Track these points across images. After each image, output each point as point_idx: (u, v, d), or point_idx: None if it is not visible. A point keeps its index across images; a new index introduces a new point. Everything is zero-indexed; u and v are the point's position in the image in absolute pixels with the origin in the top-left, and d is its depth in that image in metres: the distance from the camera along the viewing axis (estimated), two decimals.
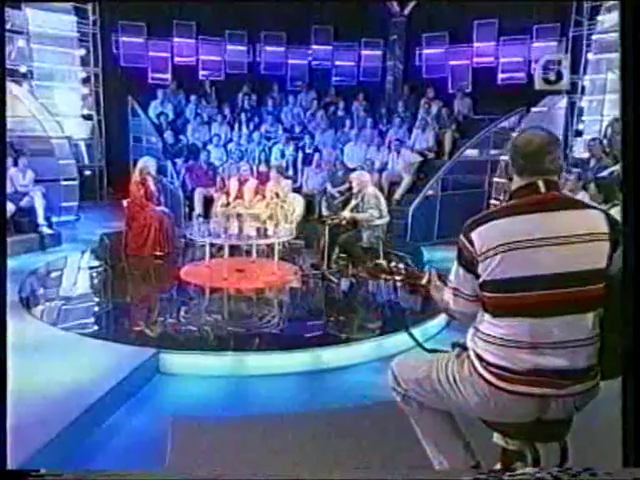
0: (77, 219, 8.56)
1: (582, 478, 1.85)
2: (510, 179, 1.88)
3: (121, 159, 10.23)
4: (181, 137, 9.48)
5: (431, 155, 9.07)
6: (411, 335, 2.32)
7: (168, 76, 10.66)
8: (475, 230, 1.78)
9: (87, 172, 9.79)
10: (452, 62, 10.70)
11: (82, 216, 8.73)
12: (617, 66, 8.44)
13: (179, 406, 3.63)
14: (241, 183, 7.29)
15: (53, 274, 6.01)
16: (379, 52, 11.31)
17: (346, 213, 6.08)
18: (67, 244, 7.34)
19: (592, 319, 1.76)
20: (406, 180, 8.59)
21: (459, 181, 8.58)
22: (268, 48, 11.13)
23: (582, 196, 5.30)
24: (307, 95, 10.74)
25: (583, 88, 8.92)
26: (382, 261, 2.28)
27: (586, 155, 7.93)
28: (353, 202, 6.23)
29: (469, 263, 1.80)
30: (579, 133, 8.75)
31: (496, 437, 2.21)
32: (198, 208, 8.41)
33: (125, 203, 6.77)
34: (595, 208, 1.90)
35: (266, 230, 6.14)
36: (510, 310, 1.76)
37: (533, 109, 8.45)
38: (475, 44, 10.43)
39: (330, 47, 11.27)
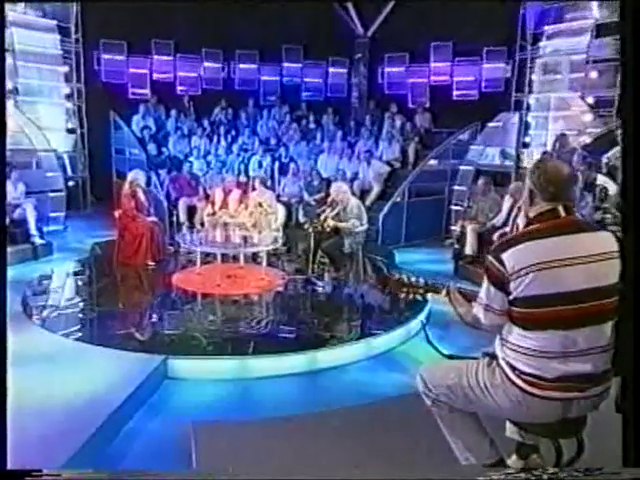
0: (65, 229, 8.29)
1: (582, 478, 1.91)
2: (531, 204, 1.91)
3: (103, 170, 9.97)
4: (163, 149, 9.28)
5: (397, 165, 9.18)
6: (431, 343, 2.33)
7: (147, 91, 10.43)
8: (505, 252, 1.82)
9: (71, 183, 9.44)
10: (411, 80, 10.85)
11: (69, 226, 8.48)
12: (560, 87, 8.85)
13: (191, 410, 3.56)
14: (226, 193, 7.18)
15: (53, 284, 5.77)
16: (345, 70, 11.37)
17: (329, 221, 6.07)
18: (58, 253, 7.08)
19: (609, 328, 1.83)
20: (376, 189, 8.66)
21: (422, 189, 8.70)
22: (242, 65, 11.03)
23: None
24: (280, 109, 10.70)
25: (529, 105, 9.19)
26: (403, 276, 2.29)
27: (527, 166, 8.24)
28: (334, 211, 6.23)
29: (500, 282, 1.84)
30: (526, 145, 9.00)
31: (510, 432, 2.26)
32: (182, 217, 8.25)
33: (117, 214, 6.57)
34: (604, 230, 1.96)
35: (252, 238, 6.09)
36: (539, 323, 1.81)
37: (489, 124, 8.67)
38: (432, 64, 10.59)
39: (300, 65, 11.26)
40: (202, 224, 8.08)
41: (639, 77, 1.85)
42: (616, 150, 6.67)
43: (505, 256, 1.81)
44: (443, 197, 8.89)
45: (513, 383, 1.85)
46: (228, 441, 2.88)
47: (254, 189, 7.49)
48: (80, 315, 4.85)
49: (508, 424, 2.27)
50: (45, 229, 7.32)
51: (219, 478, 2.41)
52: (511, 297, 1.83)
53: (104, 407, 3.20)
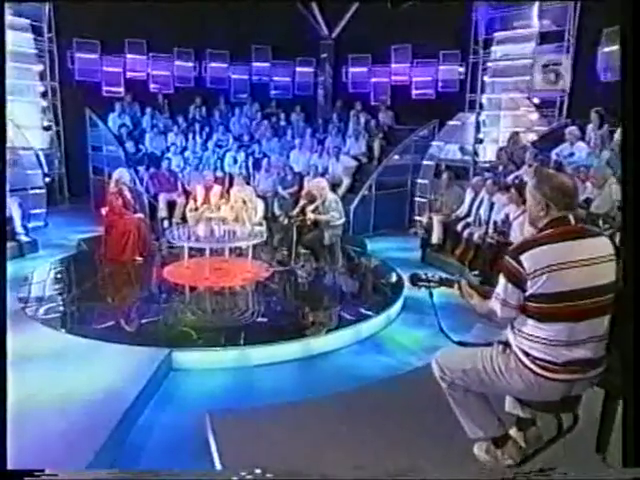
0: (45, 225, 7.97)
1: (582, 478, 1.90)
2: (547, 213, 2.01)
3: (79, 167, 9.63)
4: (141, 147, 9.02)
5: (364, 160, 9.26)
6: (444, 332, 2.42)
7: (121, 89, 10.06)
8: (523, 255, 1.93)
9: (47, 180, 9.05)
10: (374, 79, 10.87)
11: (49, 222, 8.15)
12: (509, 88, 9.10)
13: (200, 399, 3.55)
14: (207, 189, 7.07)
15: (47, 281, 5.57)
16: (311, 69, 11.28)
17: (310, 215, 6.10)
18: (44, 250, 6.83)
19: (606, 321, 1.97)
20: (345, 182, 8.73)
21: (387, 182, 8.84)
22: (213, 64, 10.78)
23: (507, 199, 5.69)
24: (251, 107, 10.56)
25: (481, 104, 9.41)
26: (420, 272, 2.38)
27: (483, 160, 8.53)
28: (313, 205, 6.26)
29: (517, 280, 1.95)
30: (480, 141, 9.24)
31: (509, 407, 2.39)
32: (163, 212, 8.08)
33: (103, 212, 6.37)
34: (601, 235, 2.09)
35: (238, 232, 6.05)
36: (552, 316, 1.93)
37: (449, 122, 8.85)
38: (393, 65, 10.63)
39: (268, 64, 11.11)
40: (182, 219, 8.01)
41: (639, 80, 1.84)
42: (563, 147, 6.98)
43: (523, 258, 1.93)
44: (406, 190, 9.06)
45: (527, 367, 1.98)
46: (245, 428, 2.89)
47: (231, 184, 7.43)
48: (79, 311, 4.72)
49: (507, 400, 2.39)
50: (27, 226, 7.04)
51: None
52: (527, 293, 1.94)
53: (120, 402, 3.16)
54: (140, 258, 6.22)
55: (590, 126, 7.06)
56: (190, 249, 6.07)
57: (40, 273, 5.73)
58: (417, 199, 8.70)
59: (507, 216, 5.50)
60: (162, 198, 8.13)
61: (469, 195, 6.71)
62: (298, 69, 11.24)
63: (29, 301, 4.86)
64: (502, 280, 2.00)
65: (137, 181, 8.29)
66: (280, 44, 10.81)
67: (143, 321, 4.57)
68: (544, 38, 8.61)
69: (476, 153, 8.13)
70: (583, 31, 8.25)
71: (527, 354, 1.98)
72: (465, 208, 6.71)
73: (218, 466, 2.71)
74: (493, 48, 9.09)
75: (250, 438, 2.80)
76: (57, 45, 9.11)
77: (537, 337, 1.96)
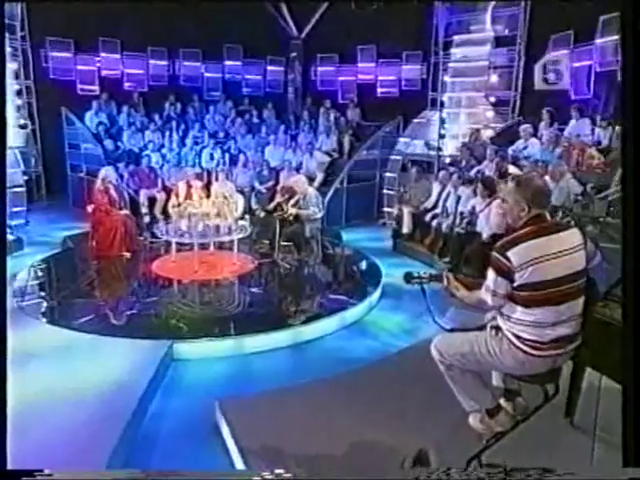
0: (26, 223, 7.70)
1: (583, 478, 1.89)
2: (527, 211, 2.17)
3: (57, 165, 9.32)
4: (119, 144, 8.80)
5: (335, 155, 9.35)
6: (436, 322, 2.57)
7: (96, 87, 9.75)
8: (510, 251, 2.09)
9: (24, 177, 8.71)
10: (341, 78, 10.94)
11: (30, 220, 7.89)
12: (467, 88, 9.36)
13: (202, 387, 3.60)
14: (189, 185, 7.01)
15: (40, 278, 5.44)
16: (281, 68, 11.23)
17: (291, 209, 6.16)
18: (28, 248, 6.63)
19: (581, 302, 2.17)
20: (319, 177, 8.79)
21: (357, 176, 8.98)
22: (186, 63, 10.58)
23: (473, 192, 5.92)
24: (224, 104, 10.45)
25: (442, 102, 9.62)
26: (413, 271, 2.52)
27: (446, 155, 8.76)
28: (294, 200, 6.32)
29: (506, 273, 2.11)
30: (442, 136, 9.47)
31: (496, 381, 2.58)
32: (144, 208, 7.95)
33: (90, 209, 6.24)
34: (572, 227, 2.27)
35: (221, 227, 6.03)
36: (538, 302, 2.11)
37: (415, 120, 9.05)
38: (359, 64, 10.71)
39: (240, 63, 10.99)
40: (163, 214, 7.92)
41: (639, 80, 1.81)
42: (518, 143, 7.29)
43: (510, 254, 2.09)
44: (375, 183, 9.23)
45: (518, 348, 2.16)
46: (254, 411, 2.98)
47: (216, 180, 7.39)
48: (77, 307, 4.64)
49: (494, 375, 2.59)
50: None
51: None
52: (515, 284, 2.11)
53: (133, 393, 3.19)
54: (128, 253, 6.15)
55: (542, 124, 7.41)
56: (177, 244, 6.06)
57: (31, 270, 5.58)
58: (385, 192, 8.88)
59: (473, 208, 5.74)
60: (142, 194, 8.00)
61: (436, 188, 6.93)
62: (269, 68, 11.18)
63: (24, 299, 4.74)
64: (491, 274, 2.16)
65: (118, 178, 8.11)
66: (251, 43, 10.73)
67: (140, 315, 4.55)
68: (498, 42, 8.90)
69: (440, 148, 8.35)
70: (533, 36, 8.58)
71: (517, 336, 2.16)
72: (433, 200, 6.92)
73: (232, 449, 2.79)
74: (452, 50, 9.30)
75: (261, 420, 2.89)
76: (30, 44, 8.73)
77: (525, 321, 2.14)
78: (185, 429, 3.13)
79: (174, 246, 5.94)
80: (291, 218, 6.12)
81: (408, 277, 2.49)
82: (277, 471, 2.14)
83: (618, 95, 7.28)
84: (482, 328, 2.40)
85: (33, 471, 1.99)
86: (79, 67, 9.54)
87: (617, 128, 6.22)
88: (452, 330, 2.56)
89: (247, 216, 6.36)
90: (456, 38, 9.30)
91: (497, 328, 2.25)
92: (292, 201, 6.36)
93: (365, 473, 2.47)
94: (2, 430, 2.03)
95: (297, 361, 4.10)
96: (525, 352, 2.14)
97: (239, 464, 2.68)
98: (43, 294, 4.98)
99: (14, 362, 3.31)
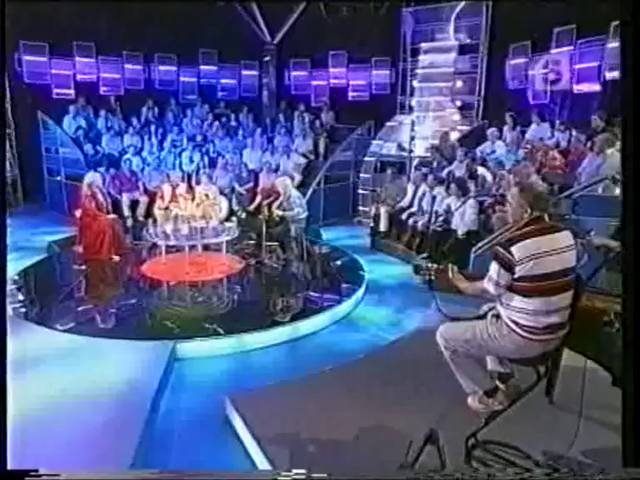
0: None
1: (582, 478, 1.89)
2: (529, 213, 2.38)
3: (33, 169, 9.03)
4: (98, 148, 8.61)
5: (312, 157, 9.46)
6: (441, 311, 2.74)
7: (71, 91, 9.48)
8: (513, 246, 2.30)
9: None
10: (314, 82, 11.06)
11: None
12: (434, 92, 9.64)
13: (208, 384, 3.64)
14: (174, 188, 6.98)
15: (34, 284, 5.31)
16: (256, 72, 11.26)
17: (277, 211, 6.24)
18: (12, 253, 6.38)
19: (571, 294, 2.38)
20: (297, 178, 8.87)
21: (333, 177, 9.12)
22: (161, 67, 10.44)
23: (444, 191, 6.16)
24: (201, 108, 10.37)
25: (411, 106, 9.90)
26: (422, 263, 2.68)
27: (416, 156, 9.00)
28: (278, 201, 6.42)
29: (508, 266, 2.31)
30: (412, 138, 9.72)
31: (491, 366, 2.78)
32: (126, 211, 7.84)
33: (77, 214, 6.12)
34: (566, 229, 2.48)
35: (211, 229, 6.04)
36: (535, 292, 2.32)
37: (387, 123, 9.26)
38: (331, 69, 10.87)
39: (215, 67, 10.93)
40: (145, 217, 7.83)
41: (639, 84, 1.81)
42: (485, 145, 7.60)
43: (513, 249, 2.30)
44: (349, 183, 9.40)
45: (516, 333, 2.37)
46: (265, 404, 3.07)
47: (197, 183, 7.36)
48: (74, 311, 4.57)
49: (489, 360, 2.78)
50: None
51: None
52: (516, 276, 2.31)
53: (145, 392, 3.22)
54: (116, 257, 6.07)
55: (506, 127, 7.75)
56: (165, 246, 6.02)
57: (24, 275, 5.46)
58: (360, 191, 9.06)
59: (448, 207, 5.98)
60: (125, 198, 7.88)
61: (411, 188, 7.15)
62: (243, 72, 11.18)
63: (21, 304, 4.64)
64: (495, 266, 2.35)
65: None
66: (225, 48, 10.70)
67: (139, 316, 4.54)
68: (462, 49, 9.22)
69: (411, 150, 8.59)
70: (494, 45, 8.95)
71: (515, 322, 2.36)
72: (408, 199, 7.14)
73: (247, 440, 2.88)
74: (420, 57, 9.56)
75: (273, 411, 2.98)
76: (3, 47, 8.36)
77: (523, 309, 2.34)
78: (197, 424, 3.18)
79: (163, 248, 5.91)
80: (277, 219, 6.20)
81: (418, 269, 2.66)
82: (295, 470, 2.12)
83: (571, 100, 7.75)
84: (482, 317, 2.60)
85: (29, 471, 1.94)
86: (54, 71, 9.25)
87: (574, 131, 6.62)
88: (454, 319, 2.73)
89: (234, 218, 6.35)
90: (423, 45, 9.57)
91: (497, 316, 2.44)
92: (276, 203, 6.45)
93: (375, 455, 2.62)
94: (2, 430, 2.00)
95: (295, 356, 4.19)
96: (522, 336, 2.34)
97: (256, 454, 2.77)
98: (40, 299, 4.87)
99: (20, 367, 3.32)
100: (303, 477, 1.99)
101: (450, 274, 2.58)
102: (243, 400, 3.14)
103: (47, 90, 9.31)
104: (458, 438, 2.54)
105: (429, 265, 2.65)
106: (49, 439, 2.71)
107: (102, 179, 7.69)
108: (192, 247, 6.00)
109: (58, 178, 8.71)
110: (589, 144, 6.01)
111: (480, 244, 5.34)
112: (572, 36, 7.62)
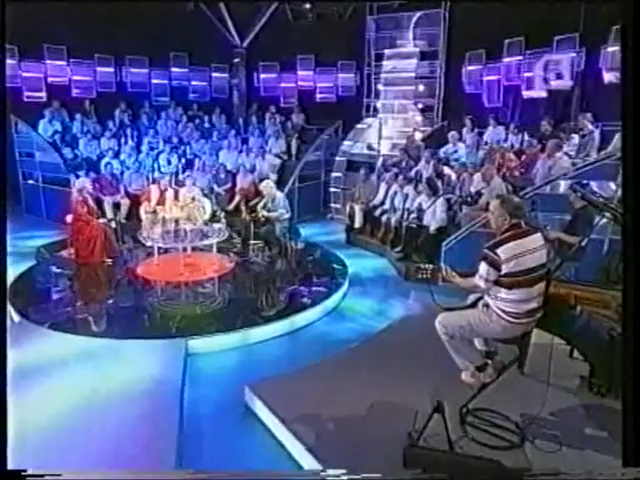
0: None
1: (583, 478, 1.95)
2: (509, 220, 2.80)
3: (7, 173, 8.74)
4: (77, 152, 8.50)
5: (285, 157, 9.70)
6: (436, 303, 3.13)
7: (43, 94, 9.25)
8: (499, 249, 2.72)
9: None
10: (283, 84, 11.26)
11: None
12: (398, 95, 10.08)
13: (223, 376, 3.90)
14: (161, 192, 7.07)
15: (37, 289, 5.33)
16: (226, 74, 11.31)
17: (263, 212, 6.49)
18: None
19: (543, 284, 2.84)
20: (272, 178, 9.08)
21: (305, 176, 9.41)
22: (133, 70, 10.33)
23: (414, 190, 6.60)
24: (175, 110, 10.36)
25: (376, 108, 10.31)
26: (420, 265, 3.07)
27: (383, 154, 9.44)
28: (262, 202, 6.66)
29: (495, 265, 2.73)
30: (381, 138, 10.11)
31: (479, 345, 3.22)
32: (109, 214, 7.83)
33: (69, 219, 6.13)
34: (537, 232, 2.93)
35: (199, 231, 6.19)
36: (518, 285, 2.75)
37: (357, 125, 9.64)
38: (299, 72, 11.09)
39: (186, 69, 10.92)
40: (127, 219, 7.86)
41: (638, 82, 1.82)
42: (448, 146, 8.13)
43: (499, 251, 2.73)
44: (320, 181, 9.73)
45: (503, 318, 2.81)
46: (284, 390, 3.38)
47: (180, 185, 7.47)
48: (82, 314, 4.69)
49: (476, 341, 3.21)
50: None
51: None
52: (502, 273, 2.74)
53: (173, 386, 3.45)
54: (109, 260, 6.15)
55: (465, 129, 8.31)
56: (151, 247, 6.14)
57: (27, 281, 5.48)
58: (332, 189, 9.41)
59: (420, 205, 6.44)
60: (107, 201, 7.86)
61: (383, 187, 7.56)
62: (214, 74, 11.21)
63: (30, 310, 4.70)
64: (484, 265, 2.77)
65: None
66: (196, 51, 10.72)
67: (145, 316, 4.71)
68: (423, 56, 9.71)
69: (378, 150, 9.01)
70: (452, 52, 9.48)
71: (503, 310, 2.81)
72: (380, 198, 7.55)
73: (272, 423, 3.18)
74: (384, 62, 9.98)
75: (293, 395, 3.30)
76: None
77: (508, 299, 2.79)
78: (220, 412, 3.44)
79: (156, 250, 6.05)
80: (263, 219, 6.45)
81: (417, 269, 3.05)
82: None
83: (521, 105, 8.41)
84: (470, 307, 3.04)
85: (21, 471, 1.98)
86: (25, 74, 8.99)
87: (526, 135, 7.25)
88: (448, 309, 3.15)
89: (223, 219, 6.54)
90: (387, 52, 10.00)
91: (486, 305, 2.88)
92: (261, 203, 6.70)
93: (386, 425, 3.00)
94: (2, 430, 2.00)
95: (296, 346, 4.49)
96: (508, 321, 2.79)
97: (281, 434, 3.08)
98: (45, 303, 4.93)
99: (39, 372, 3.48)
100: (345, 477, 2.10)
101: (444, 272, 2.98)
102: (262, 388, 3.42)
103: (18, 93, 9.04)
104: (452, 408, 2.97)
105: (426, 266, 3.04)
106: (92, 438, 2.91)
107: (92, 184, 7.70)
108: (183, 249, 6.17)
109: (33, 182, 8.54)
110: (539, 147, 6.64)
111: (450, 238, 5.83)
112: (521, 47, 8.26)
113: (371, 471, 2.44)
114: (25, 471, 1.97)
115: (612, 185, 5.09)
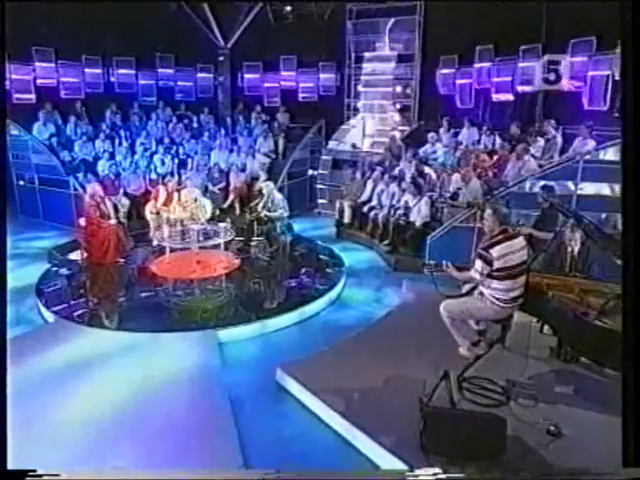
0: None
1: (582, 478, 1.92)
2: (500, 225, 3.48)
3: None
4: (73, 154, 8.70)
5: (274, 156, 10.18)
6: (438, 291, 3.79)
7: (32, 96, 9.34)
8: (492, 249, 3.38)
9: None
10: (266, 84, 11.66)
11: None
12: (377, 96, 10.68)
13: (254, 360, 4.44)
14: (168, 193, 7.42)
15: (61, 288, 5.69)
16: (211, 74, 11.61)
17: (264, 212, 7.00)
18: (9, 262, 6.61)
19: (525, 277, 3.55)
20: (262, 176, 9.52)
21: (293, 173, 9.94)
22: (120, 71, 10.50)
23: (399, 188, 7.25)
24: (164, 111, 10.62)
25: (357, 108, 10.89)
26: (425, 261, 3.73)
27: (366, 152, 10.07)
28: (262, 202, 7.16)
29: (489, 261, 3.40)
30: (364, 137, 10.70)
31: (472, 324, 3.93)
32: (112, 214, 8.09)
33: (82, 222, 6.47)
34: (520, 235, 3.62)
35: (214, 230, 6.57)
36: (506, 277, 3.43)
37: (342, 126, 10.20)
38: (282, 72, 11.50)
39: (172, 70, 11.16)
40: (128, 219, 8.19)
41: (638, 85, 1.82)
42: (427, 147, 8.82)
43: (492, 251, 3.39)
44: (307, 178, 10.29)
45: (495, 304, 3.49)
46: (313, 368, 3.97)
47: (185, 186, 7.83)
48: (116, 310, 5.12)
49: (471, 321, 3.91)
50: None
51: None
52: (494, 268, 3.41)
53: (214, 372, 4.00)
54: (122, 260, 6.54)
55: (441, 130, 9.03)
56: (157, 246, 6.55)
57: (46, 283, 5.82)
58: (319, 186, 9.98)
59: (407, 202, 7.11)
60: (109, 202, 8.13)
61: (369, 185, 8.19)
62: (199, 74, 11.49)
63: (63, 308, 5.08)
64: (479, 262, 3.44)
65: (78, 187, 8.16)
66: (181, 52, 10.97)
67: (168, 311, 5.17)
68: (400, 59, 10.34)
69: (361, 149, 9.62)
70: (426, 56, 10.14)
71: (495, 297, 3.50)
72: (367, 195, 8.18)
73: (303, 395, 3.78)
74: (364, 65, 10.55)
75: (320, 372, 3.90)
76: None
77: (499, 288, 3.47)
78: (255, 391, 3.98)
79: (168, 249, 6.47)
80: (265, 219, 6.97)
81: (422, 265, 3.71)
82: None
83: (490, 106, 9.20)
84: (466, 294, 3.74)
85: (32, 471, 2.00)
86: (13, 76, 9.05)
87: (497, 137, 8.03)
88: (448, 296, 3.82)
89: (228, 219, 6.98)
90: (366, 55, 10.56)
91: (481, 294, 3.57)
92: (261, 204, 7.20)
93: (401, 392, 3.66)
94: (2, 430, 2.02)
95: (309, 333, 5.04)
96: (499, 306, 3.49)
97: (313, 404, 3.69)
98: (79, 302, 5.32)
99: (83, 368, 3.92)
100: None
101: (445, 267, 3.65)
102: (293, 368, 4.00)
103: (7, 95, 9.09)
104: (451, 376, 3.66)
105: (432, 262, 3.70)
106: (155, 416, 3.41)
107: (78, 183, 7.97)
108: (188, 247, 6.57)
109: (23, 183, 8.71)
110: (509, 147, 7.43)
111: (434, 233, 6.53)
112: (491, 53, 9.01)
113: (392, 432, 3.10)
114: (25, 471, 1.98)
115: (571, 185, 5.92)
